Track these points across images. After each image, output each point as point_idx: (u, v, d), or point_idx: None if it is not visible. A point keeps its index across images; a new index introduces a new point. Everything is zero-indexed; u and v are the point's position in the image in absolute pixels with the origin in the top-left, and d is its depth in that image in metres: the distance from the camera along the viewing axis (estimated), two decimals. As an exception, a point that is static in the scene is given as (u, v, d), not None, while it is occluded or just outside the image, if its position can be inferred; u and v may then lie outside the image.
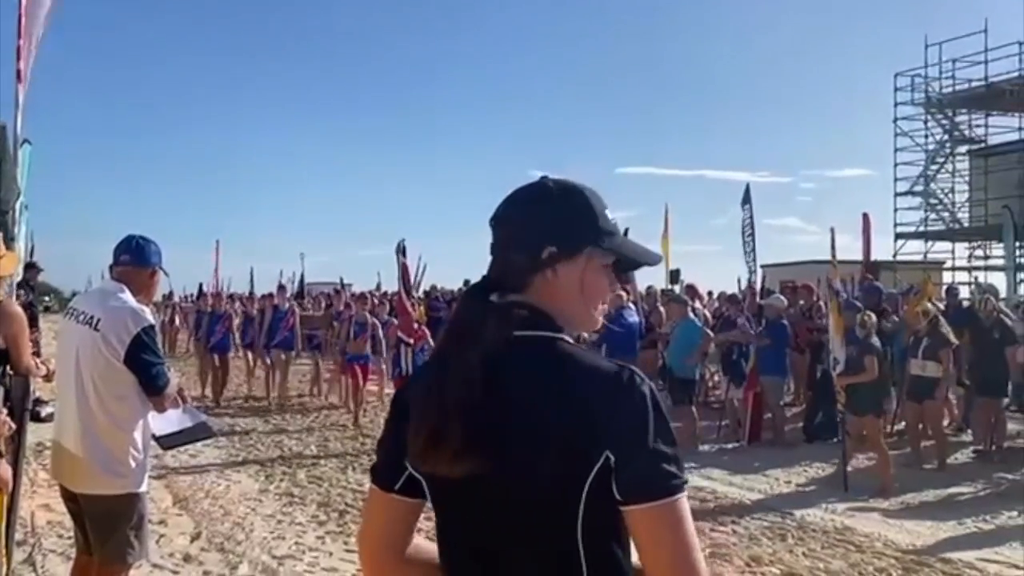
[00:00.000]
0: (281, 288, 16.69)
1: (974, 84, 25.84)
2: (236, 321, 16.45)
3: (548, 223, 1.54)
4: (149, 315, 3.96)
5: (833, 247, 10.01)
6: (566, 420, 1.37)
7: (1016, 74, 24.45)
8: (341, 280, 18.95)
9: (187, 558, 6.16)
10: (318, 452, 10.42)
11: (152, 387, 3.87)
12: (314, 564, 6.09)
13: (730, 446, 10.91)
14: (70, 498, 4.03)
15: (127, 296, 3.91)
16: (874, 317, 9.35)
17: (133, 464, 3.88)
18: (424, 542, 1.62)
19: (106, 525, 3.89)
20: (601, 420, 1.37)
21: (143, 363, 3.83)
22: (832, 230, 10.18)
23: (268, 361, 15.28)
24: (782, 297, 12.35)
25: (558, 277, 1.53)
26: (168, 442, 4.31)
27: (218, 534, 6.76)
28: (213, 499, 7.89)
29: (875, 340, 8.99)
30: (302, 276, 21.81)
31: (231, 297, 17.59)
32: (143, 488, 3.97)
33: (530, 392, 1.41)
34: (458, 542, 1.51)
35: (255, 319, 16.05)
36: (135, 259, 4.03)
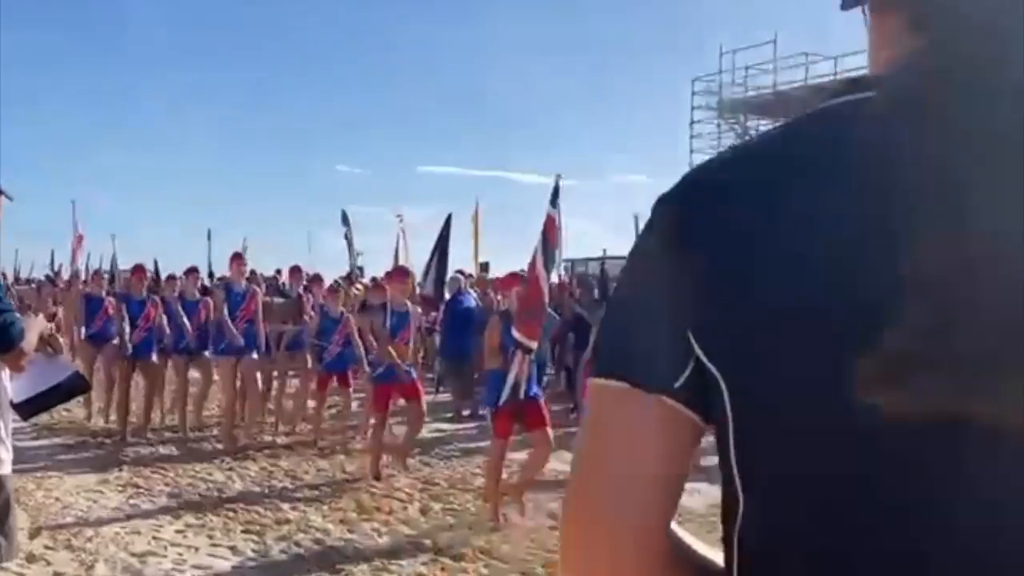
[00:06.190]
0: (238, 256, 10.25)
1: (763, 91, 27.76)
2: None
3: None
4: None
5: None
6: None
7: (801, 83, 26.47)
8: (156, 262, 16.33)
9: (31, 558, 5.60)
10: (157, 437, 9.59)
11: (2, 341, 3.12)
12: (181, 561, 5.72)
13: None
14: None
15: None
16: None
17: None
18: (686, 535, 0.83)
19: None
20: None
21: None
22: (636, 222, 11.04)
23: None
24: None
25: None
26: (31, 408, 3.65)
27: (61, 530, 6.21)
28: (46, 491, 7.21)
29: None
30: (113, 257, 17.82)
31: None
32: (5, 470, 3.39)
33: None
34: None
35: (174, 307, 9.78)
36: None
